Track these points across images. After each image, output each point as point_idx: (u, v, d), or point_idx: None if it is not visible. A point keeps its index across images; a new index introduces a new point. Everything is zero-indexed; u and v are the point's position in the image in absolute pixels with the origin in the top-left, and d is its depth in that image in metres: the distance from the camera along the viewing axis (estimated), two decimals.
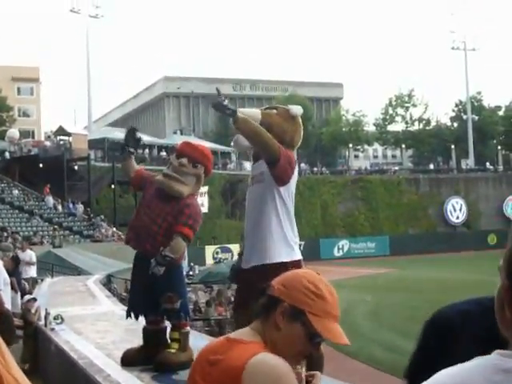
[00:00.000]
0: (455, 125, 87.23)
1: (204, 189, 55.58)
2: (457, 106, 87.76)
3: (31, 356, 10.68)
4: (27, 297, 11.89)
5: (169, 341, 5.95)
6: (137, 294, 6.09)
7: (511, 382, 1.19)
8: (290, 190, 4.90)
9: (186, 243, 5.81)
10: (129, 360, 6.04)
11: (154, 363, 5.81)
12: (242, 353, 2.10)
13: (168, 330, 6.06)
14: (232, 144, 5.13)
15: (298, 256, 4.86)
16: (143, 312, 6.00)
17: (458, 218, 73.11)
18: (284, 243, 4.82)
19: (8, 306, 9.90)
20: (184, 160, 5.79)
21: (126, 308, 7.08)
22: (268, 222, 4.84)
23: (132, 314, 6.07)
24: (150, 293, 5.83)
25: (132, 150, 6.20)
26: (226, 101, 4.61)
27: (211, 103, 4.72)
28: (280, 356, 2.15)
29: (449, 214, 73.07)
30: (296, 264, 4.63)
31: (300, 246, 5.11)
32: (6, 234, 33.82)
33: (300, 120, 5.11)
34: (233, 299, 23.26)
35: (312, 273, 2.35)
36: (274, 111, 5.07)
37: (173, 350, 5.84)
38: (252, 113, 4.94)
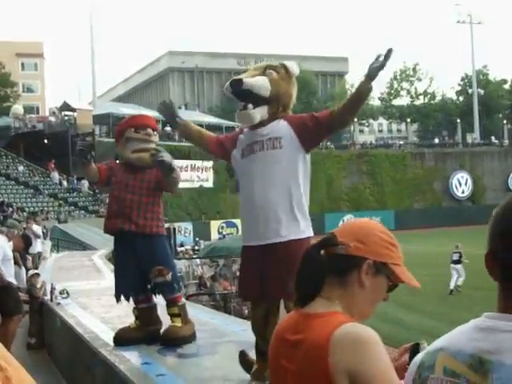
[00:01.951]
0: (461, 99, 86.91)
1: (209, 164, 55.68)
2: (462, 79, 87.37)
3: (37, 331, 10.75)
4: (31, 272, 11.95)
5: (159, 315, 6.03)
6: (123, 275, 6.08)
7: (487, 339, 1.45)
8: (308, 158, 4.52)
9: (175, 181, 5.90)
10: (122, 339, 6.03)
11: (161, 338, 5.87)
12: (323, 327, 2.00)
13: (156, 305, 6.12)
14: (236, 119, 4.82)
15: (311, 233, 4.44)
16: (132, 292, 6.00)
17: (463, 192, 73.03)
18: (303, 217, 4.41)
19: (11, 279, 9.94)
20: (149, 130, 6.02)
21: None
22: (292, 193, 4.39)
23: (122, 297, 6.09)
24: (136, 271, 5.86)
25: (88, 157, 6.04)
26: None
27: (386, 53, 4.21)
28: (362, 314, 2.12)
29: (454, 188, 72.98)
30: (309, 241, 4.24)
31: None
32: (11, 210, 33.92)
33: (295, 80, 4.71)
34: (238, 274, 23.34)
35: (375, 222, 2.26)
36: (274, 74, 4.58)
37: (178, 325, 5.85)
38: (262, 81, 4.52)
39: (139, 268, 5.84)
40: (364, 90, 4.27)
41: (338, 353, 1.93)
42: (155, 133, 6.10)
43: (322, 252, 2.13)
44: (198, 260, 27.94)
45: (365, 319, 2.13)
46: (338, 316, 2.04)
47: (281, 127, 4.49)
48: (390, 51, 4.20)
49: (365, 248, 2.11)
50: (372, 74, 4.22)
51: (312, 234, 4.43)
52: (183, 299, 6.13)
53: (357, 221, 2.26)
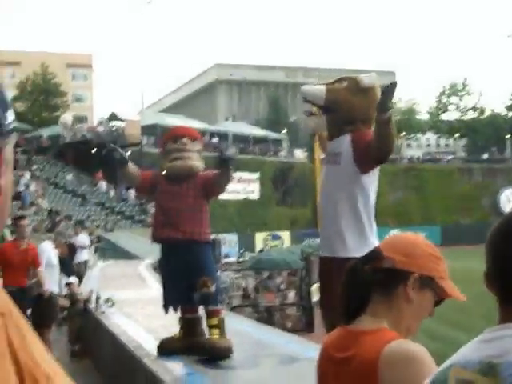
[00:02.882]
0: (510, 114, 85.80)
1: (255, 175, 55.78)
2: None
3: (77, 337, 10.86)
4: (71, 279, 12.09)
5: (207, 328, 5.97)
6: (170, 286, 6.10)
7: (493, 346, 1.48)
8: (373, 177, 4.47)
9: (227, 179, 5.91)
10: (166, 349, 6.04)
11: (197, 350, 5.83)
12: (372, 344, 1.98)
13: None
14: (304, 93, 4.61)
15: None
16: (180, 303, 6.01)
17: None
18: (359, 237, 4.36)
19: (55, 287, 10.13)
20: (185, 139, 6.01)
21: None
22: (343, 212, 4.40)
23: (170, 308, 6.10)
24: (183, 281, 5.86)
25: (119, 153, 6.10)
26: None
27: (386, 86, 4.09)
28: (409, 330, 2.10)
29: (502, 204, 72.01)
30: None
31: None
32: (58, 218, 34.30)
33: (376, 91, 4.45)
34: (283, 286, 23.37)
35: (419, 236, 2.23)
36: (344, 84, 4.52)
37: (216, 337, 5.84)
38: (317, 90, 4.52)
39: (186, 278, 5.84)
40: (381, 121, 4.16)
41: (388, 370, 1.91)
42: (195, 142, 6.11)
43: (367, 267, 2.11)
44: (242, 272, 27.94)
45: (411, 335, 2.11)
46: (386, 333, 2.02)
47: (343, 143, 4.44)
48: (394, 85, 4.11)
49: (410, 262, 2.09)
50: (382, 108, 4.11)
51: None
52: (224, 312, 6.11)
53: (401, 235, 2.24)
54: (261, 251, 39.01)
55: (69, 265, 15.66)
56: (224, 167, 5.76)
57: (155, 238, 6.13)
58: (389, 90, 4.10)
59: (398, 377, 1.90)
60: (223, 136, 61.86)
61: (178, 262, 5.89)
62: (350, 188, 4.39)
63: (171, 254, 6.00)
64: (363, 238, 4.37)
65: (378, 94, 4.38)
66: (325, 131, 4.74)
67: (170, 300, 6.06)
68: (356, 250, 4.23)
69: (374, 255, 2.12)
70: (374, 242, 4.28)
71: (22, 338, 1.08)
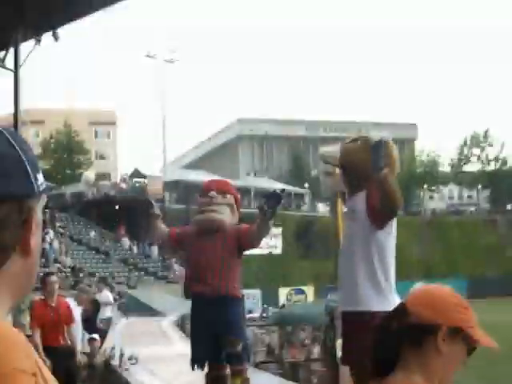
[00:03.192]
0: None
1: (277, 230, 55.71)
2: None
3: None
4: (94, 335, 12.06)
5: None
6: (198, 342, 6.01)
7: None
8: (389, 233, 4.56)
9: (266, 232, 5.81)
10: None
11: None
12: None
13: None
14: (320, 155, 4.90)
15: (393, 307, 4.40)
16: (206, 359, 5.90)
17: None
18: (375, 292, 4.47)
19: (78, 345, 10.06)
20: (212, 193, 5.96)
21: None
22: (358, 267, 4.53)
23: (197, 365, 6.00)
24: (211, 337, 5.77)
25: (156, 211, 6.32)
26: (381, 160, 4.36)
27: (375, 144, 4.33)
28: (443, 382, 2.07)
29: None
30: None
31: None
32: (82, 275, 34.40)
33: (390, 148, 4.60)
34: (307, 341, 23.15)
35: (444, 287, 2.20)
36: (357, 144, 4.69)
37: None
38: (332, 151, 4.74)
39: (213, 334, 5.76)
40: (378, 181, 4.30)
41: None
42: (226, 195, 6.00)
43: (394, 324, 2.08)
44: (266, 327, 27.76)
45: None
46: None
47: (358, 199, 4.58)
48: (380, 142, 4.32)
49: (437, 315, 2.07)
50: (375, 167, 4.28)
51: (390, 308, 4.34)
52: (248, 372, 5.98)
53: (425, 287, 2.21)
54: (282, 307, 38.79)
55: (93, 322, 15.63)
56: (265, 218, 5.63)
57: (185, 294, 6.09)
58: (377, 147, 4.30)
59: None
60: (245, 191, 62.04)
61: (205, 318, 5.82)
62: (366, 244, 4.50)
63: (200, 310, 5.92)
64: (379, 293, 4.47)
65: (391, 152, 4.59)
66: (343, 189, 4.91)
67: (197, 356, 5.95)
68: (370, 304, 4.42)
69: (400, 311, 2.11)
70: (391, 297, 4.45)
71: None
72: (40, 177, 1.19)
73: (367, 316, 4.40)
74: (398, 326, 2.08)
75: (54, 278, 9.67)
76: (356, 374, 4.49)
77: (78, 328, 10.70)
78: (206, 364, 5.94)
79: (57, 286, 9.52)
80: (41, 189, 1.18)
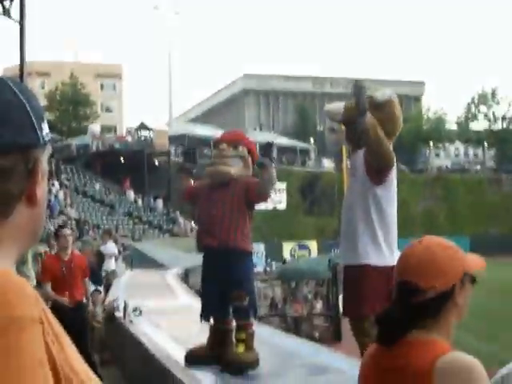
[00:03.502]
0: None
1: (282, 185, 55.73)
2: None
3: (103, 346, 10.89)
4: (92, 288, 12.08)
5: (234, 340, 5.86)
6: (206, 295, 6.04)
7: None
8: (388, 189, 4.63)
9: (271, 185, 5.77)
10: (194, 358, 5.99)
11: (221, 363, 5.76)
12: (425, 354, 1.97)
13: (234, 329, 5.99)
14: (325, 112, 4.93)
15: (392, 262, 4.19)
16: (213, 312, 5.91)
17: None
18: (373, 245, 4.57)
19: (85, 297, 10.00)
20: (223, 145, 5.91)
21: None
22: (357, 222, 4.63)
23: (204, 317, 6.01)
24: (219, 291, 5.77)
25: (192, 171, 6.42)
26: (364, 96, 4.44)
27: (353, 87, 4.42)
28: (451, 330, 2.10)
29: None
30: (388, 270, 4.26)
31: None
32: (87, 227, 34.52)
33: (394, 105, 4.75)
34: (310, 296, 23.29)
35: (434, 242, 2.16)
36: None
37: (240, 350, 5.76)
38: (336, 108, 4.77)
39: (221, 288, 5.75)
40: (360, 131, 4.41)
41: (442, 381, 1.90)
42: (238, 147, 5.91)
43: (409, 303, 2.06)
44: (269, 281, 27.89)
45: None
46: (439, 343, 2.01)
47: (358, 157, 4.68)
48: (357, 87, 4.39)
49: (449, 277, 2.07)
50: (359, 113, 4.38)
51: (391, 263, 4.33)
52: (254, 328, 5.99)
53: (421, 254, 2.11)
54: (284, 262, 38.94)
55: (97, 274, 15.74)
56: (264, 168, 5.63)
57: (197, 246, 6.08)
58: (356, 91, 4.39)
59: None
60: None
61: (214, 271, 5.81)
62: (364, 199, 4.59)
63: (209, 263, 5.92)
64: (377, 247, 4.57)
65: (395, 108, 4.72)
66: (347, 146, 4.95)
67: (204, 308, 5.97)
68: (368, 258, 4.54)
69: (411, 290, 2.06)
70: (389, 251, 4.56)
71: (60, 346, 1.09)
72: (45, 126, 1.18)
73: (365, 269, 4.53)
74: (413, 303, 2.05)
75: (67, 230, 9.31)
76: (354, 325, 4.62)
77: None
78: (213, 317, 5.96)
79: (71, 240, 9.20)
80: (46, 139, 1.18)
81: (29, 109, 1.15)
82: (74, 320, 7.70)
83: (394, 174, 4.63)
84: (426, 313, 2.05)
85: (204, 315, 5.95)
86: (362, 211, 4.60)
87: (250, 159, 5.95)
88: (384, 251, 4.55)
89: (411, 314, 2.04)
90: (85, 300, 9.30)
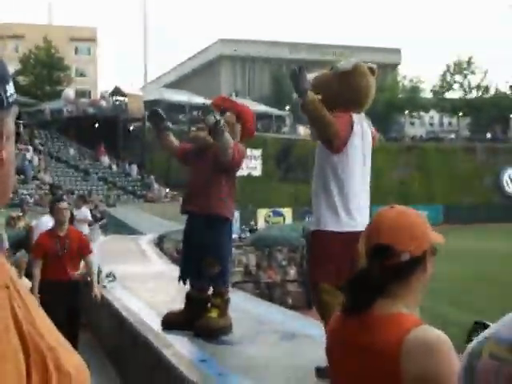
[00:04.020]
0: None
1: (257, 152, 55.72)
2: None
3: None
4: None
5: (208, 306, 5.91)
6: (184, 259, 6.10)
7: None
8: (346, 158, 4.63)
9: (229, 152, 5.66)
10: (169, 323, 6.03)
11: (194, 328, 5.80)
12: (392, 331, 1.97)
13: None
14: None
15: (351, 228, 4.52)
16: (191, 277, 5.97)
17: None
18: (329, 212, 4.61)
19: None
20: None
21: (177, 268, 7.13)
22: (317, 189, 4.73)
23: (182, 281, 6.06)
24: (194, 256, 5.82)
25: (167, 124, 6.19)
26: (306, 80, 4.55)
27: (290, 72, 4.54)
28: (417, 300, 2.12)
29: (505, 184, 71.93)
30: (349, 236, 4.40)
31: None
32: (61, 192, 34.31)
33: (359, 75, 4.72)
34: (284, 263, 23.38)
35: (409, 210, 2.21)
36: (325, 72, 4.88)
37: (214, 315, 5.82)
38: (309, 79, 4.73)
39: (197, 253, 5.79)
40: (300, 107, 4.56)
41: (410, 358, 1.92)
42: (225, 113, 5.84)
43: (382, 264, 2.07)
44: (243, 248, 28.01)
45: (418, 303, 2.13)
46: (405, 318, 2.02)
47: None
48: (295, 71, 4.51)
49: (422, 242, 2.10)
50: (297, 93, 4.53)
51: (349, 229, 4.54)
52: (229, 294, 6.02)
53: (395, 218, 2.15)
54: (251, 230, 39.11)
55: None
56: (212, 133, 5.61)
57: (181, 210, 6.10)
58: (292, 75, 4.50)
59: (422, 365, 1.90)
60: None
61: (191, 236, 5.89)
62: (323, 167, 4.70)
63: (188, 228, 5.99)
64: (334, 214, 4.63)
65: (360, 77, 4.72)
66: None
67: (182, 272, 6.02)
68: (324, 224, 4.61)
69: (388, 253, 2.08)
70: (348, 217, 4.61)
71: (27, 311, 1.09)
72: (10, 88, 1.16)
73: (317, 234, 4.64)
74: (387, 265, 2.07)
75: (63, 204, 8.33)
76: (311, 290, 4.71)
77: None
78: (189, 281, 6.01)
79: (68, 214, 8.24)
80: (10, 100, 1.16)
81: None
82: (65, 298, 7.54)
83: (354, 143, 4.65)
84: (398, 276, 2.07)
85: (182, 277, 6.01)
86: (321, 179, 4.70)
87: (238, 125, 5.94)
88: (342, 218, 4.60)
89: (384, 277, 2.06)
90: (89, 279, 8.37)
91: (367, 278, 2.08)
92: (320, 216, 4.66)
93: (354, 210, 4.64)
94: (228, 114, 5.89)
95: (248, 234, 36.94)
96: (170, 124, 6.24)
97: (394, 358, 1.93)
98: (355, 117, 4.68)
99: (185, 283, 6.02)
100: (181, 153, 6.16)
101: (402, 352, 1.92)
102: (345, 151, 4.62)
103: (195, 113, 53.43)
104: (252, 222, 45.69)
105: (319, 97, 4.55)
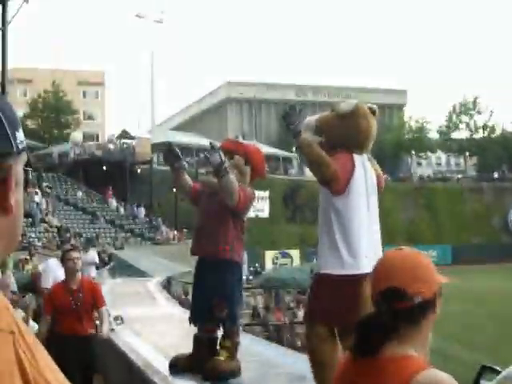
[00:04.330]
0: None
1: (265, 194, 55.75)
2: None
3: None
4: None
5: (218, 348, 5.84)
6: (194, 301, 6.07)
7: None
8: (348, 199, 4.61)
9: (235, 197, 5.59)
10: (177, 366, 5.96)
11: (203, 371, 5.72)
12: (401, 372, 1.95)
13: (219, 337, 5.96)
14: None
15: (355, 270, 4.50)
16: (200, 319, 5.91)
17: None
18: (334, 256, 4.57)
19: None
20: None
21: (185, 311, 7.10)
22: (321, 232, 4.73)
23: (192, 324, 6.01)
24: (203, 298, 5.79)
25: (182, 163, 6.17)
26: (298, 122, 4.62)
27: (282, 113, 4.65)
28: (426, 345, 2.10)
29: None
30: (349, 279, 4.44)
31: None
32: (69, 235, 34.34)
33: (359, 116, 4.73)
34: (292, 305, 23.24)
35: (415, 251, 2.19)
36: (328, 114, 4.85)
37: (222, 358, 5.73)
38: (308, 121, 4.81)
39: (205, 296, 5.76)
40: (297, 147, 4.70)
41: None
42: (234, 157, 5.83)
43: (393, 307, 2.06)
44: (251, 290, 27.90)
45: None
46: (413, 361, 2.00)
47: None
48: (287, 111, 4.64)
49: (431, 285, 2.09)
50: (292, 135, 4.63)
51: (350, 272, 4.51)
52: (239, 337, 5.93)
53: (405, 261, 2.13)
54: (256, 272, 39.00)
55: None
56: (216, 177, 5.57)
57: (191, 251, 6.08)
58: (285, 116, 4.59)
59: None
60: None
61: (200, 279, 5.88)
62: (326, 209, 4.68)
63: (197, 270, 5.99)
64: (337, 257, 4.57)
65: (360, 119, 4.72)
66: None
67: (191, 315, 5.98)
68: (327, 267, 4.58)
69: (400, 296, 2.05)
70: (352, 261, 4.54)
71: (32, 356, 1.09)
72: (19, 135, 1.17)
73: (319, 277, 4.65)
74: (399, 308, 2.05)
75: (75, 253, 7.85)
76: (306, 328, 4.76)
77: None
78: (198, 324, 5.96)
79: (79, 264, 7.82)
80: (20, 147, 1.17)
81: (2, 117, 1.14)
82: (79, 353, 7.32)
83: (356, 184, 4.63)
84: (410, 319, 2.05)
85: (191, 320, 5.97)
86: (324, 220, 4.68)
87: (248, 168, 5.93)
88: (345, 260, 4.54)
89: (396, 320, 2.04)
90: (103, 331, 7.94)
91: (378, 321, 2.06)
92: (323, 258, 4.65)
93: (358, 251, 4.58)
94: (236, 157, 5.88)
95: (251, 277, 36.84)
96: (185, 163, 6.25)
97: None
98: (356, 157, 4.65)
99: (195, 325, 5.96)
100: (194, 193, 6.15)
101: None
102: (346, 192, 4.59)
103: (202, 155, 53.65)
104: (257, 264, 45.51)
105: (320, 139, 4.58)
